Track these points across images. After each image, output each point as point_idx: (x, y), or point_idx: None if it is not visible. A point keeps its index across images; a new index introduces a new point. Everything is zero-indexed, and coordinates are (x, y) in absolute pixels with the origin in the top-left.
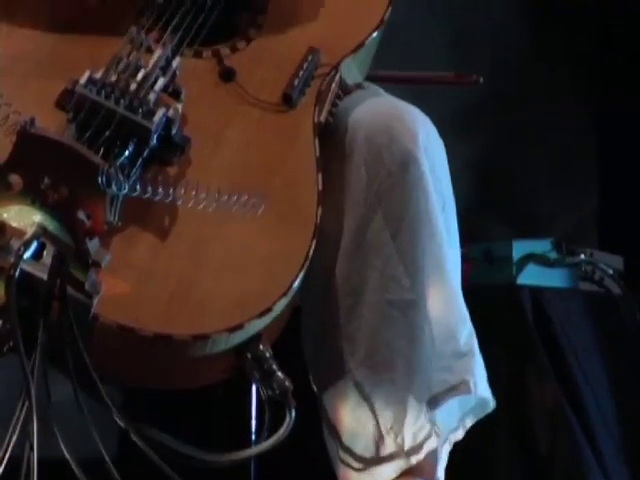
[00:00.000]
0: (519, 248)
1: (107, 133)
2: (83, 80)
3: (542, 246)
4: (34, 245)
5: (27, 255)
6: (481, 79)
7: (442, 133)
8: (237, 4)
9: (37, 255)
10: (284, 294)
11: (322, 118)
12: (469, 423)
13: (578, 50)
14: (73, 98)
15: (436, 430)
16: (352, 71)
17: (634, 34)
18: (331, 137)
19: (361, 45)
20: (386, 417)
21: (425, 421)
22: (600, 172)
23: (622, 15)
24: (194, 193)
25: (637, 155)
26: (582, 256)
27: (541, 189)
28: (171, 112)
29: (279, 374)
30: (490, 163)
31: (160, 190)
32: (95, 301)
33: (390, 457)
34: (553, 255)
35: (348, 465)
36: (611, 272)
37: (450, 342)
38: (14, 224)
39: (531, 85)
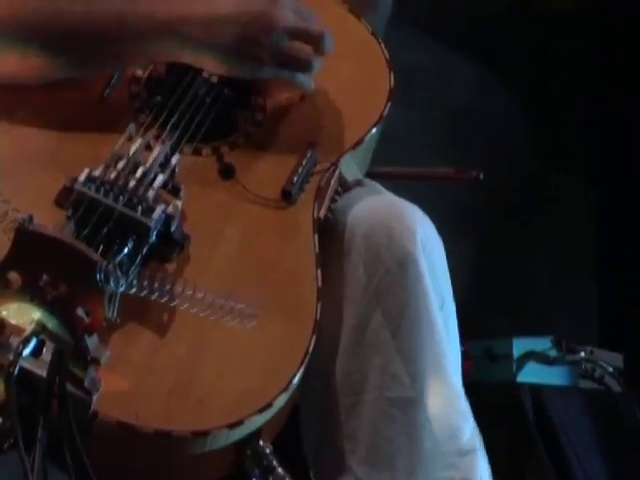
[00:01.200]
0: (519, 346)
1: (106, 230)
2: (82, 178)
3: (542, 344)
4: (33, 342)
5: (26, 352)
6: (481, 175)
7: (440, 229)
8: (236, 102)
9: (36, 352)
10: (284, 390)
11: (321, 214)
12: None
13: (573, 144)
14: (72, 196)
15: None
16: (351, 167)
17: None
18: (330, 233)
19: (360, 141)
20: None
21: None
22: (600, 268)
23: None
24: (191, 293)
25: (636, 254)
26: (582, 354)
27: (541, 286)
28: (170, 209)
29: (279, 470)
30: (489, 259)
31: (158, 287)
32: (94, 398)
33: None
34: (553, 353)
35: None
36: (611, 370)
37: (453, 440)
38: (13, 321)
39: (529, 180)
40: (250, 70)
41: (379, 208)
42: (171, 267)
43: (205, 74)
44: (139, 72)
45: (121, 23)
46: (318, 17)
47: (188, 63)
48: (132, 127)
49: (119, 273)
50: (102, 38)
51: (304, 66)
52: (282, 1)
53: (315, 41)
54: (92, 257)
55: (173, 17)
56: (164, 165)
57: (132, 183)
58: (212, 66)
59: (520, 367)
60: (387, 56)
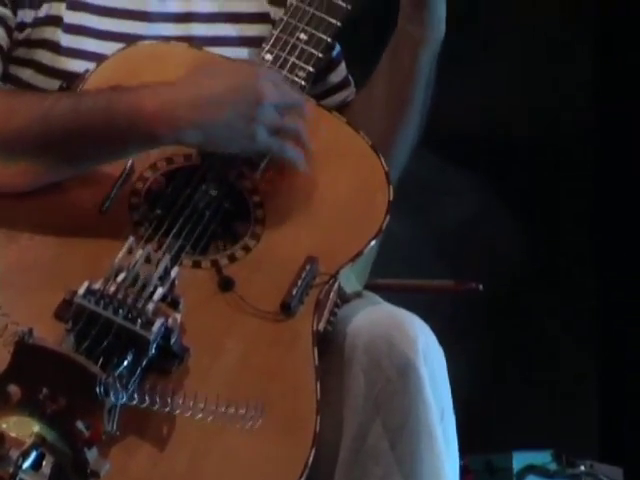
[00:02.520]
0: (519, 459)
1: (105, 343)
2: (82, 291)
3: (542, 457)
4: (33, 455)
5: (26, 465)
6: (481, 287)
7: (441, 339)
8: (235, 214)
9: (36, 465)
10: None
11: (321, 327)
12: None
13: (576, 250)
14: (71, 308)
15: None
16: (350, 280)
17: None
18: (330, 345)
19: (359, 254)
20: None
21: None
22: (600, 384)
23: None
24: (192, 403)
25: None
26: (582, 468)
27: (541, 399)
28: (170, 322)
29: None
30: (488, 371)
31: (158, 400)
32: None
33: None
34: (553, 467)
35: None
36: None
37: None
38: (13, 434)
39: (528, 294)
40: (242, 145)
41: (379, 318)
42: (171, 379)
43: (204, 187)
44: (139, 184)
45: (108, 114)
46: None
47: (179, 145)
48: (132, 240)
49: (119, 386)
50: (90, 134)
51: (294, 134)
52: (265, 75)
53: (298, 109)
54: (92, 370)
55: (162, 103)
56: (164, 278)
57: (132, 296)
58: (204, 146)
59: None
60: (386, 169)
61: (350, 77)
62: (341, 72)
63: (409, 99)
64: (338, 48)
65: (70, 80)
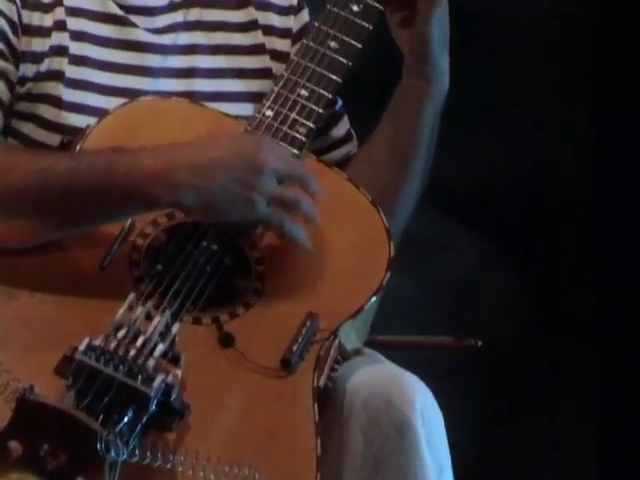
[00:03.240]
0: None
1: (106, 399)
2: (82, 347)
3: None
4: None
5: None
6: (480, 343)
7: (439, 395)
8: (236, 270)
9: None
10: None
11: (321, 383)
12: None
13: (579, 317)
14: (72, 365)
15: None
16: (350, 336)
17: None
18: (330, 401)
19: (360, 310)
20: None
21: None
22: (600, 473)
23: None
24: (194, 461)
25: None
26: None
27: (540, 455)
28: (170, 378)
29: None
30: (488, 428)
31: (159, 456)
32: None
33: None
34: None
35: None
36: None
37: None
38: None
39: (528, 350)
40: (241, 213)
41: (378, 377)
42: (172, 435)
43: (205, 242)
44: (139, 240)
45: (108, 176)
46: (301, 164)
47: (178, 209)
48: (132, 296)
49: (120, 442)
50: (89, 193)
51: (293, 205)
52: (267, 145)
53: (301, 181)
54: (93, 427)
55: (161, 165)
56: (164, 334)
57: (132, 352)
58: (202, 211)
59: None
60: (387, 225)
61: (352, 131)
62: (344, 126)
63: (412, 154)
64: (340, 102)
65: (71, 135)
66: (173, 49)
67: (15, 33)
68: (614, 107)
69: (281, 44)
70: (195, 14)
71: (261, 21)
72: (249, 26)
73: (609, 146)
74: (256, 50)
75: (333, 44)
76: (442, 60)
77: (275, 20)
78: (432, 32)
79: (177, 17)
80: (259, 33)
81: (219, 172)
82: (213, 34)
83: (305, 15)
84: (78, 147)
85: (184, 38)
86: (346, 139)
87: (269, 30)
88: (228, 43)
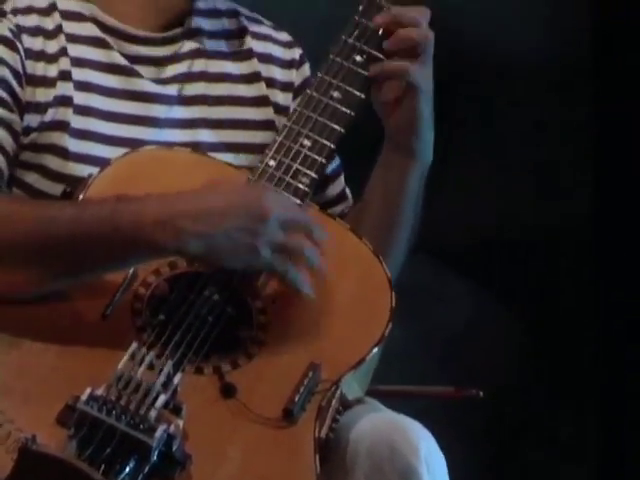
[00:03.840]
0: None
1: (108, 449)
2: (84, 397)
3: None
4: None
5: None
6: (481, 393)
7: (441, 444)
8: (238, 320)
9: None
10: None
11: (323, 434)
12: None
13: (577, 351)
14: (74, 414)
15: None
16: (352, 386)
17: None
18: (333, 451)
19: (362, 361)
20: None
21: None
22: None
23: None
24: None
25: None
26: None
27: None
28: (172, 429)
29: None
30: (490, 477)
31: None
32: None
33: None
34: None
35: None
36: None
37: None
38: None
39: (528, 398)
40: (245, 260)
41: (382, 424)
42: None
43: (208, 292)
44: (142, 290)
45: (112, 224)
46: (305, 213)
47: (182, 256)
48: (134, 346)
49: None
50: (93, 241)
51: (297, 253)
52: (271, 194)
53: (305, 229)
54: (95, 477)
55: (165, 212)
56: (166, 384)
57: (134, 403)
58: (206, 258)
59: None
60: (389, 275)
61: (347, 190)
62: (339, 185)
63: (399, 216)
64: (338, 161)
65: (74, 184)
66: (178, 100)
67: (19, 83)
68: (614, 110)
69: (283, 98)
70: (200, 65)
71: (264, 73)
72: (252, 78)
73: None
74: (260, 102)
75: (336, 94)
76: (427, 133)
77: (277, 73)
78: (421, 107)
79: (182, 68)
80: (262, 85)
81: (223, 219)
82: (217, 85)
83: (306, 69)
84: (80, 197)
85: (189, 89)
86: (341, 198)
87: (271, 83)
88: (232, 94)
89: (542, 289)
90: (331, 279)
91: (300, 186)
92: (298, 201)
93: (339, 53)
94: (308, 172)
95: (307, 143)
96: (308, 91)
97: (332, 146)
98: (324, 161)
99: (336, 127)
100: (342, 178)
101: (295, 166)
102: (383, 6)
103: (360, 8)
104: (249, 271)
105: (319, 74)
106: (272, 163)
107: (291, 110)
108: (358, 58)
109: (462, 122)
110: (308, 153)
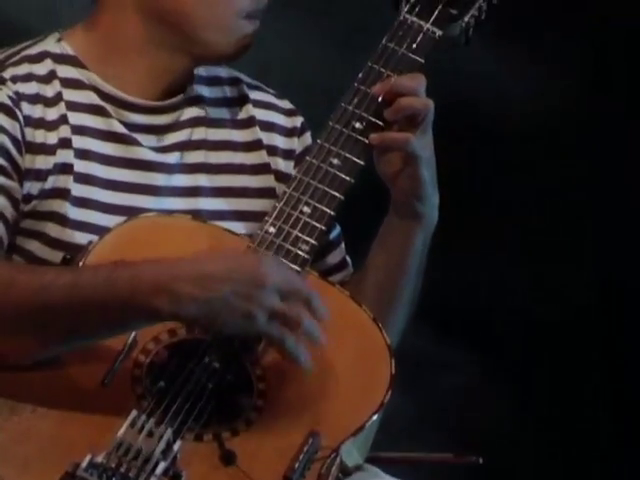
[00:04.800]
0: None
1: None
2: (84, 464)
3: None
4: None
5: None
6: (480, 460)
7: None
8: (237, 387)
9: None
10: None
11: None
12: None
13: (575, 413)
14: None
15: None
16: (351, 453)
17: None
18: None
19: (361, 428)
20: None
21: None
22: None
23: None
24: None
25: None
26: None
27: None
28: None
29: None
30: None
31: None
32: None
33: None
34: None
35: None
36: None
37: None
38: None
39: (528, 465)
40: (241, 326)
41: None
42: None
43: (207, 359)
44: (142, 357)
45: (109, 289)
46: (303, 281)
47: (178, 320)
48: (134, 413)
49: None
50: (90, 306)
51: (294, 323)
52: (269, 261)
53: (303, 298)
54: None
55: (162, 277)
56: (166, 451)
57: (134, 470)
58: (202, 323)
59: None
60: (388, 343)
61: (348, 259)
62: (340, 254)
63: (402, 280)
64: (338, 229)
65: (74, 252)
66: (178, 168)
67: (19, 151)
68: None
69: (284, 165)
70: (200, 133)
71: (265, 141)
72: (254, 146)
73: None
74: (261, 169)
75: (335, 161)
76: (433, 196)
77: (279, 141)
78: (423, 174)
79: (182, 136)
80: (264, 153)
81: (220, 284)
82: (218, 153)
83: (308, 138)
84: (80, 264)
85: (189, 157)
86: (341, 266)
87: (273, 151)
88: (233, 162)
89: (543, 356)
90: (330, 346)
91: (300, 253)
92: (298, 268)
93: (339, 120)
94: (308, 239)
95: (307, 210)
96: (308, 158)
97: (332, 213)
98: (324, 228)
99: (336, 194)
100: (342, 246)
101: (295, 233)
102: (382, 73)
103: (360, 75)
104: (246, 337)
105: (319, 141)
106: (272, 230)
107: (291, 177)
108: (357, 125)
109: (465, 187)
110: (308, 220)
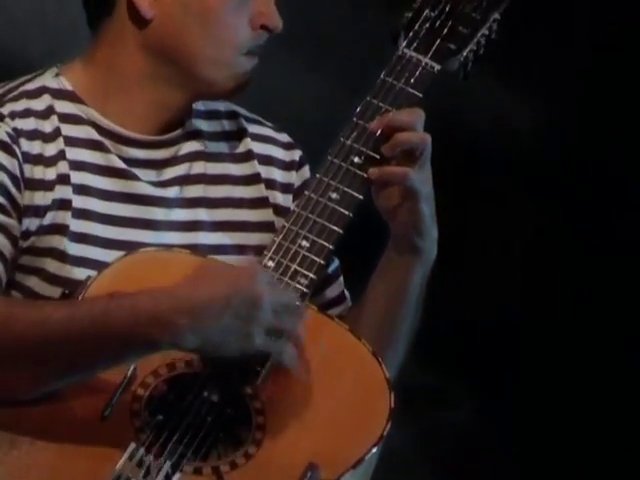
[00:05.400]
0: None
1: None
2: None
3: None
4: None
5: None
6: None
7: None
8: (236, 420)
9: None
10: None
11: None
12: None
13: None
14: None
15: None
16: None
17: None
18: None
19: (360, 461)
20: None
21: None
22: None
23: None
24: None
25: None
26: None
27: None
28: None
29: None
30: None
31: None
32: None
33: None
34: None
35: None
36: None
37: None
38: None
39: None
40: (239, 347)
41: None
42: None
43: (206, 393)
44: (140, 390)
45: (105, 320)
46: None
47: (177, 349)
48: (133, 446)
49: None
50: (88, 338)
51: (290, 334)
52: (261, 278)
53: (295, 310)
54: None
55: (159, 307)
56: None
57: None
58: (201, 349)
59: None
60: (387, 376)
61: (346, 292)
62: (338, 287)
63: (400, 314)
64: (337, 263)
65: (73, 287)
66: (177, 202)
67: (17, 187)
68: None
69: (282, 199)
70: (199, 167)
71: (264, 175)
72: (252, 179)
73: None
74: (259, 203)
75: (334, 195)
76: (433, 230)
77: (277, 175)
78: (422, 208)
79: (181, 170)
80: (262, 187)
81: (217, 310)
82: (217, 187)
83: (306, 171)
84: (79, 298)
85: (188, 191)
86: (339, 300)
87: (271, 184)
88: (231, 196)
89: (541, 392)
90: (330, 380)
91: (299, 287)
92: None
93: (337, 154)
94: (307, 273)
95: (306, 244)
96: (307, 192)
97: (330, 247)
98: (322, 262)
99: (334, 228)
100: (341, 279)
101: (293, 267)
102: (381, 107)
103: (358, 110)
104: (245, 371)
105: (317, 175)
106: (270, 264)
107: (290, 210)
108: (356, 159)
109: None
110: (307, 254)
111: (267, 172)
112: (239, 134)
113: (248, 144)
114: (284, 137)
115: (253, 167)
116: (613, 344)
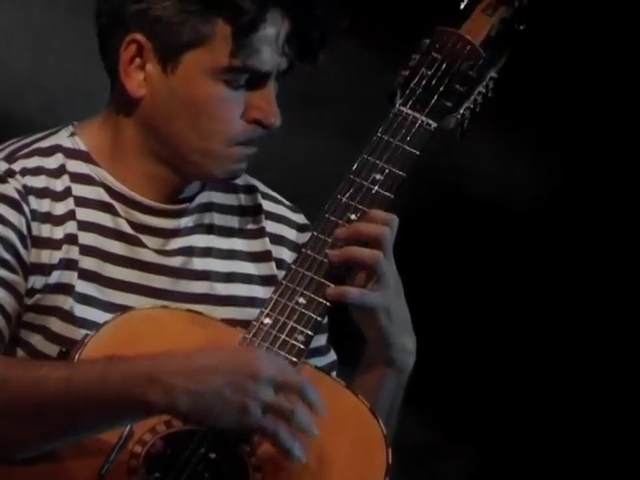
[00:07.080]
0: None
1: None
2: None
3: None
4: None
5: None
6: None
7: None
8: (234, 477)
9: None
10: None
11: None
12: None
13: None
14: None
15: None
16: None
17: None
18: None
19: None
20: None
21: None
22: None
23: None
24: None
25: None
26: None
27: None
28: None
29: None
30: None
31: None
32: None
33: None
34: None
35: None
36: None
37: None
38: None
39: None
40: (235, 419)
41: None
42: None
43: (203, 450)
44: (138, 448)
45: (103, 384)
46: (297, 373)
47: (172, 414)
48: None
49: None
50: (84, 401)
51: (287, 415)
52: (263, 354)
53: (297, 390)
54: None
55: (155, 371)
56: None
57: None
58: (196, 416)
59: None
60: (385, 432)
61: (331, 349)
62: (324, 338)
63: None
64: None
65: (70, 346)
66: (181, 273)
67: (24, 245)
68: None
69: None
70: (206, 240)
71: (274, 254)
72: (263, 257)
73: None
74: (269, 281)
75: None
76: (404, 340)
77: (286, 255)
78: (385, 325)
79: (187, 242)
80: (272, 265)
81: (214, 377)
82: (223, 262)
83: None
84: (76, 357)
85: (193, 263)
86: (329, 348)
87: (281, 264)
88: (239, 271)
89: (541, 445)
90: (327, 436)
91: (295, 344)
92: (294, 359)
93: (334, 212)
94: (303, 329)
95: (302, 301)
96: (303, 250)
97: (327, 304)
98: (319, 318)
99: (331, 285)
100: (326, 333)
101: (290, 324)
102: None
103: (354, 167)
104: (242, 430)
105: (314, 232)
106: (267, 321)
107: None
108: (352, 217)
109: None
110: (303, 311)
111: (277, 252)
112: (254, 210)
113: (262, 221)
114: (300, 218)
115: (264, 245)
116: (613, 397)
